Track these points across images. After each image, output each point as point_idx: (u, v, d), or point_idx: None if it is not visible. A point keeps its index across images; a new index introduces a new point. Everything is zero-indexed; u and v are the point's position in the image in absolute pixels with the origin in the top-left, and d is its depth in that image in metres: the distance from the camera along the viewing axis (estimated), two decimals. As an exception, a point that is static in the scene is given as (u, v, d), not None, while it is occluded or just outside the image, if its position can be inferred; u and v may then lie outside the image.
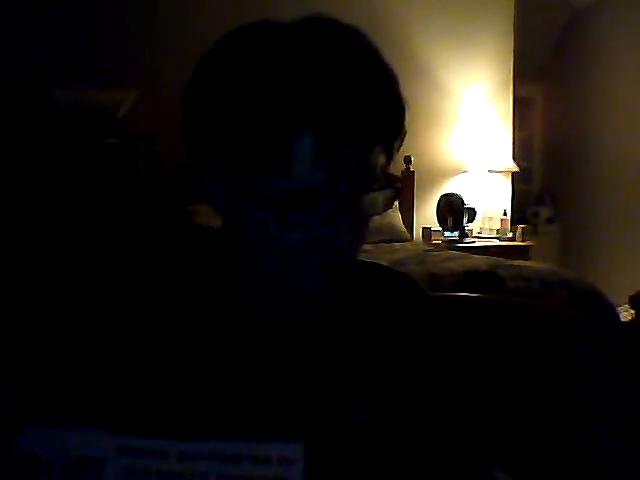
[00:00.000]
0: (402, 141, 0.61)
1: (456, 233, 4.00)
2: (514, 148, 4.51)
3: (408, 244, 3.65)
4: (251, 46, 0.56)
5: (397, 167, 4.02)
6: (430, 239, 4.05)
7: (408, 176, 4.06)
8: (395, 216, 3.86)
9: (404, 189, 4.03)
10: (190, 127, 0.59)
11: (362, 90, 0.55)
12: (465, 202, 4.01)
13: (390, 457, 0.65)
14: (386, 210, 0.61)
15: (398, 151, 0.62)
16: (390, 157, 0.60)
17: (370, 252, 3.12)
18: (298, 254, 0.57)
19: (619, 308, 2.56)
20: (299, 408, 0.62)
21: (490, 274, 2.48)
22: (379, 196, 0.59)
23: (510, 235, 4.16)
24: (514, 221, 4.37)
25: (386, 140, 0.58)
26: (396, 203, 3.91)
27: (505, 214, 4.32)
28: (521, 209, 5.17)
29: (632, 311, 1.64)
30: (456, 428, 0.74)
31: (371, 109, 0.55)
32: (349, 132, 0.54)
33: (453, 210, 4.00)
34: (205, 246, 0.69)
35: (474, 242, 4.04)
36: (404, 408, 0.68)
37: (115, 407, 0.59)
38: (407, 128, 0.60)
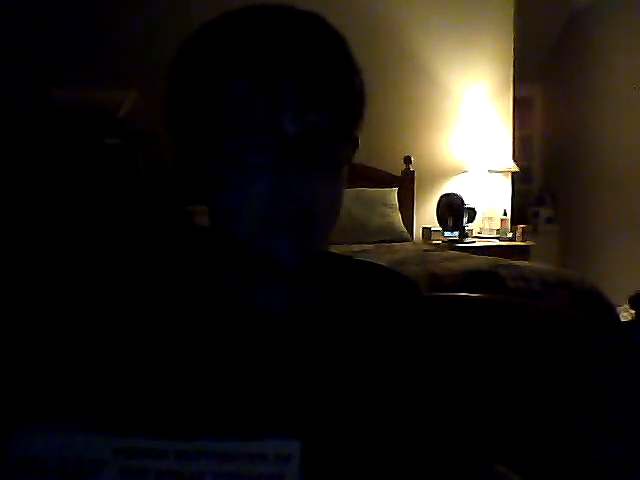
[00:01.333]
0: (361, 104, 0.65)
1: (456, 233, 4.00)
2: (514, 148, 4.51)
3: (408, 244, 3.65)
4: (211, 27, 0.64)
5: (397, 167, 4.03)
6: (430, 239, 4.05)
7: (408, 176, 4.07)
8: (395, 216, 3.86)
9: (404, 189, 4.03)
10: (168, 105, 0.65)
11: (301, 41, 0.60)
12: (465, 202, 4.01)
13: (387, 453, 0.66)
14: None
15: (359, 115, 0.65)
16: (347, 116, 0.63)
17: (370, 252, 3.12)
18: (264, 205, 0.59)
19: (619, 308, 2.56)
20: (295, 404, 0.62)
21: (490, 274, 2.48)
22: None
23: (510, 235, 4.16)
24: (514, 221, 4.37)
25: (330, 93, 0.61)
26: (396, 203, 3.91)
27: (505, 214, 4.32)
28: (521, 209, 5.18)
29: (632, 311, 1.64)
30: (453, 425, 0.74)
31: (310, 55, 0.60)
32: (284, 73, 0.59)
33: (453, 210, 4.00)
34: (200, 245, 0.69)
35: (474, 242, 4.04)
36: (401, 405, 0.69)
37: (112, 408, 0.59)
38: (359, 90, 0.64)
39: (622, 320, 2.58)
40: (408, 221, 4.02)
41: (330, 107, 0.61)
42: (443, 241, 3.99)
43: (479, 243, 4.05)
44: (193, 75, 0.62)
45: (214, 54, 0.61)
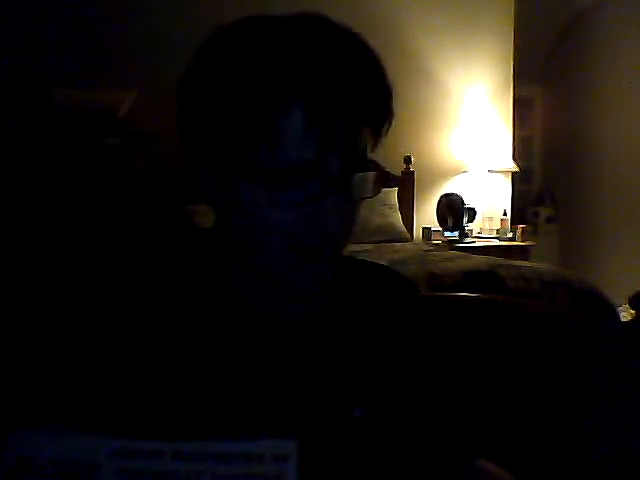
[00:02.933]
0: (389, 125, 0.63)
1: (456, 233, 4.00)
2: (514, 148, 4.51)
3: (408, 244, 3.64)
4: (243, 32, 0.58)
5: (397, 167, 4.02)
6: (430, 239, 4.05)
7: (408, 176, 4.06)
8: (395, 216, 3.86)
9: (404, 189, 4.03)
10: (185, 115, 0.61)
11: (350, 71, 0.56)
12: (465, 202, 4.01)
13: (384, 453, 0.66)
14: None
15: (385, 135, 0.63)
16: (377, 140, 0.62)
17: (370, 252, 3.12)
18: (291, 236, 0.58)
19: (619, 308, 2.56)
20: (293, 405, 0.62)
21: (490, 274, 2.48)
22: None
23: (510, 235, 4.16)
24: (514, 221, 4.37)
25: (374, 122, 0.60)
26: (396, 203, 3.91)
27: (505, 214, 4.32)
28: (521, 209, 5.18)
29: (632, 311, 1.64)
30: (450, 425, 0.74)
31: (358, 89, 0.57)
32: (337, 109, 0.55)
33: (453, 210, 4.00)
34: (201, 246, 0.69)
35: (474, 242, 4.04)
36: (399, 405, 0.69)
37: (108, 409, 0.59)
38: (394, 113, 0.62)
39: (622, 320, 2.58)
40: (408, 221, 4.02)
41: (373, 142, 0.60)
42: (443, 241, 3.98)
43: (479, 243, 4.05)
44: (230, 87, 0.56)
45: (262, 67, 0.55)
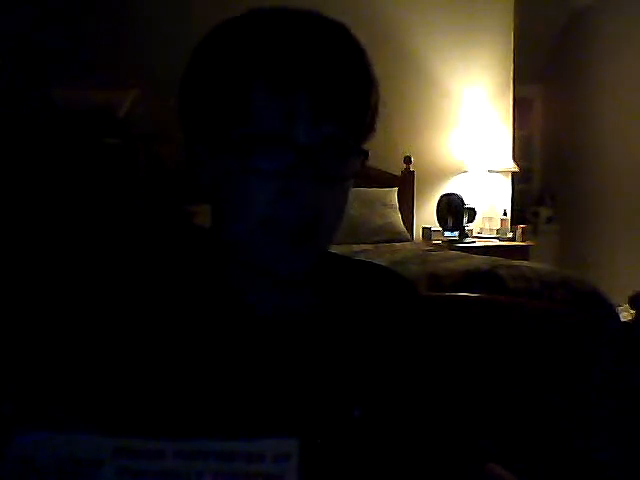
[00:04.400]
0: (373, 115, 0.64)
1: (456, 233, 4.00)
2: (514, 148, 4.51)
3: (408, 244, 3.64)
4: (237, 24, 0.63)
5: (397, 167, 4.03)
6: (430, 239, 4.05)
7: (408, 176, 4.06)
8: (395, 216, 3.86)
9: (404, 189, 4.03)
10: (183, 100, 0.65)
11: (322, 50, 0.59)
12: (465, 202, 4.01)
13: (385, 452, 0.66)
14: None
15: (372, 127, 0.65)
16: (364, 132, 0.64)
17: (370, 252, 3.12)
18: (270, 208, 0.59)
19: (619, 308, 2.56)
20: (294, 404, 0.62)
21: (490, 274, 2.48)
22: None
23: (510, 235, 4.16)
24: (514, 221, 4.37)
25: (349, 106, 0.61)
26: (396, 203, 3.91)
27: (505, 214, 4.32)
28: (521, 209, 5.18)
29: (632, 311, 1.63)
30: (451, 425, 0.74)
31: (326, 65, 0.59)
32: (300, 80, 0.58)
33: (453, 210, 4.00)
34: (200, 246, 0.69)
35: (474, 242, 4.04)
36: (398, 404, 0.69)
37: (110, 408, 0.59)
38: (377, 103, 0.64)
39: (622, 320, 2.57)
40: (408, 221, 4.02)
41: (345, 120, 0.61)
42: (443, 241, 3.98)
43: (479, 243, 4.05)
44: (211, 70, 0.62)
45: (235, 51, 0.61)
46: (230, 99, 0.60)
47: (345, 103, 0.61)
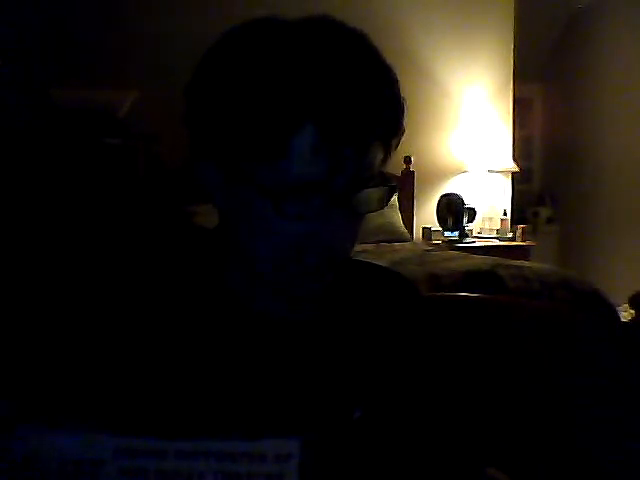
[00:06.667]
0: (399, 139, 0.62)
1: (456, 233, 4.00)
2: (514, 148, 4.50)
3: (408, 244, 3.64)
4: (255, 39, 0.57)
5: (397, 167, 4.02)
6: (430, 239, 4.05)
7: (408, 176, 4.06)
8: (395, 216, 3.86)
9: (404, 189, 4.03)
10: (193, 118, 0.60)
11: (363, 88, 0.55)
12: (465, 202, 4.01)
13: (385, 453, 0.66)
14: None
15: (396, 149, 0.62)
16: (387, 155, 0.61)
17: (370, 252, 3.12)
18: (293, 248, 0.58)
19: (619, 308, 2.56)
20: (294, 404, 0.62)
21: (490, 274, 2.48)
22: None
23: (510, 235, 4.16)
24: (514, 221, 4.37)
25: (384, 138, 0.59)
26: (396, 203, 3.91)
27: (505, 214, 4.32)
28: (521, 209, 5.18)
29: (632, 311, 1.63)
30: (451, 426, 0.74)
31: (371, 107, 0.55)
32: (349, 130, 0.54)
33: (453, 210, 4.00)
34: (200, 246, 0.69)
35: (474, 242, 4.04)
36: (399, 405, 0.69)
37: (111, 408, 0.59)
38: (405, 127, 0.61)
39: (622, 320, 2.58)
40: (408, 221, 4.02)
41: (382, 161, 0.60)
42: (443, 241, 3.99)
43: (479, 243, 4.05)
44: (245, 99, 0.54)
45: (280, 84, 0.53)
46: (265, 137, 0.54)
47: (388, 144, 0.59)
